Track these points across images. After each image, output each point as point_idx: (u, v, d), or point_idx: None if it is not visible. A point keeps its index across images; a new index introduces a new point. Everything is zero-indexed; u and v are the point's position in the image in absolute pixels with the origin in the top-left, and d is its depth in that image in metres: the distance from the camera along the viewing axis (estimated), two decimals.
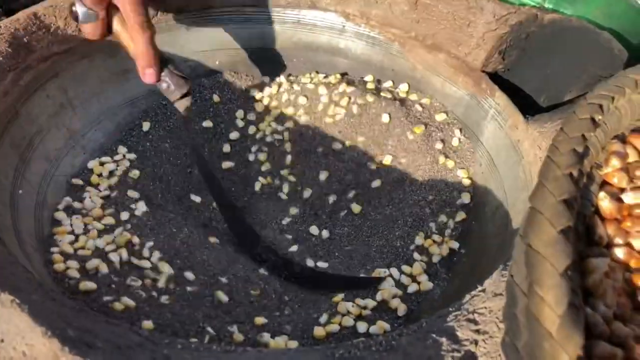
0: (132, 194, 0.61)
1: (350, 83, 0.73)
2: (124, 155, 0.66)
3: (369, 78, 0.74)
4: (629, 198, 0.31)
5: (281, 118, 0.73)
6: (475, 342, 0.37)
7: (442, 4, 0.70)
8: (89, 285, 0.48)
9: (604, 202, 0.30)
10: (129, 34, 0.58)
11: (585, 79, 0.62)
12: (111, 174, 0.63)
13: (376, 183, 0.66)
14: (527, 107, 0.63)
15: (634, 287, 0.29)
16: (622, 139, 0.33)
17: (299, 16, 0.76)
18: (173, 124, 0.70)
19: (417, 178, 0.66)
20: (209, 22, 0.74)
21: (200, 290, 0.51)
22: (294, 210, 0.67)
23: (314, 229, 0.64)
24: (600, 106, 0.31)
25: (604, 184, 0.32)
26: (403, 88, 0.73)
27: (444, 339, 0.37)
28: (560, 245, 0.24)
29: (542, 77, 0.65)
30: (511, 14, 0.67)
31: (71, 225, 0.55)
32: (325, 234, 0.64)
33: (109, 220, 0.56)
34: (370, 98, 0.70)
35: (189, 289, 0.51)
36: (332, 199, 0.67)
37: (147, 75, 0.59)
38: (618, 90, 0.32)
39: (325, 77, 0.75)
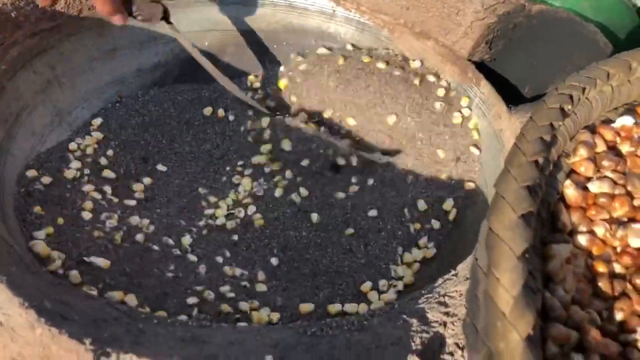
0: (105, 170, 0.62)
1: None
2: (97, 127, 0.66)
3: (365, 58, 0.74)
4: (594, 187, 0.32)
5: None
6: (445, 324, 0.38)
7: None
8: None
9: (569, 190, 0.31)
10: None
11: (570, 70, 0.61)
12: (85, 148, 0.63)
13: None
14: (512, 97, 0.64)
15: (594, 273, 0.30)
16: (592, 130, 0.34)
17: (292, 1, 0.76)
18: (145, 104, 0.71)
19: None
20: (199, 3, 0.74)
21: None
22: None
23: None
24: (571, 96, 0.32)
25: (571, 173, 0.32)
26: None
27: (414, 320, 0.38)
28: (519, 229, 0.25)
29: (528, 68, 0.66)
30: (499, 4, 0.67)
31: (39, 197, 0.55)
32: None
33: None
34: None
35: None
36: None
37: (115, 20, 0.60)
38: (589, 81, 0.33)
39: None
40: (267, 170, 0.67)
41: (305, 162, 0.66)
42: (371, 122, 0.68)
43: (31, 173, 0.57)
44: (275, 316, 0.49)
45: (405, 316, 0.39)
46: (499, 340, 0.23)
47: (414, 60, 0.71)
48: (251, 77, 0.76)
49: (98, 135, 0.65)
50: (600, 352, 0.26)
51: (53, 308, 0.35)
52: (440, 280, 0.42)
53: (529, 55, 0.65)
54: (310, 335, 0.37)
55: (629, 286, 0.30)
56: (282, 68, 0.75)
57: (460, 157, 0.64)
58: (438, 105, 0.66)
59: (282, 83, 0.73)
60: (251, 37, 0.77)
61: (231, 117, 0.72)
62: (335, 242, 0.59)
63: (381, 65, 0.70)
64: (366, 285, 0.54)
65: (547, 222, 0.30)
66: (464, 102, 0.66)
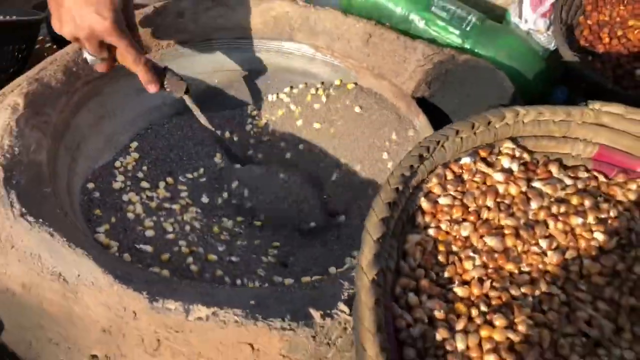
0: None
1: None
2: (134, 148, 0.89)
3: (337, 82, 0.96)
4: (441, 200, 0.54)
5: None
6: None
7: (387, 42, 0.92)
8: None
9: (424, 203, 0.53)
10: (129, 65, 0.77)
11: (485, 106, 0.84)
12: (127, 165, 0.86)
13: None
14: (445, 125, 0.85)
15: (438, 251, 0.52)
16: (445, 165, 0.56)
17: (279, 46, 0.98)
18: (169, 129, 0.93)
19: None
20: (209, 50, 0.97)
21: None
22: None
23: None
24: (427, 147, 0.53)
25: (428, 192, 0.54)
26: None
27: (346, 283, 0.60)
28: (378, 226, 0.46)
29: (456, 103, 0.87)
30: (435, 54, 0.88)
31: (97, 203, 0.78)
32: None
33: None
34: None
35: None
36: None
37: (150, 88, 0.80)
38: (442, 136, 0.54)
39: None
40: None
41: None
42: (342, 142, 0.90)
43: (90, 185, 0.80)
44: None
45: (341, 280, 0.61)
46: (358, 281, 0.44)
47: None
48: (250, 107, 0.98)
49: (135, 155, 0.88)
50: (427, 292, 0.49)
51: (121, 274, 0.58)
52: None
53: (457, 94, 0.87)
54: (280, 291, 0.60)
55: (456, 258, 0.52)
56: (273, 98, 0.97)
57: None
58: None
59: (280, 112, 0.95)
60: (251, 75, 0.99)
61: (235, 138, 0.95)
62: None
63: (347, 100, 0.92)
64: None
65: (408, 222, 0.52)
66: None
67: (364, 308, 0.43)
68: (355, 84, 0.94)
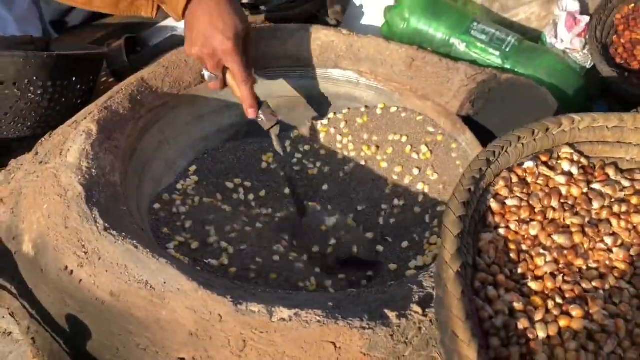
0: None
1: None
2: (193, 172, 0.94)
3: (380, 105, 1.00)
4: (509, 202, 0.57)
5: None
6: (433, 288, 0.63)
7: (430, 66, 0.96)
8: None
9: (493, 204, 0.56)
10: (237, 85, 0.85)
11: (528, 121, 0.87)
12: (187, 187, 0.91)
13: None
14: (490, 142, 0.89)
15: (509, 249, 0.55)
16: (510, 170, 0.59)
17: (326, 73, 1.03)
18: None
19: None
20: (259, 79, 1.02)
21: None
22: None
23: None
24: (493, 152, 0.57)
25: (496, 195, 0.58)
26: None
27: (415, 286, 0.63)
28: (457, 223, 0.50)
29: (500, 120, 0.90)
30: (478, 74, 0.93)
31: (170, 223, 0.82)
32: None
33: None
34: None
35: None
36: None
37: (249, 112, 0.87)
38: (506, 142, 0.58)
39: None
40: None
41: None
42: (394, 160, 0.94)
43: (157, 206, 0.84)
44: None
45: (409, 284, 0.64)
46: (443, 273, 0.47)
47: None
48: (296, 132, 1.03)
49: (195, 178, 0.93)
50: (504, 287, 0.51)
51: (204, 282, 0.62)
52: (433, 265, 0.67)
53: (501, 111, 0.90)
54: (353, 295, 0.62)
55: (527, 256, 0.55)
56: (322, 122, 1.02)
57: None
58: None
59: (324, 131, 1.00)
60: (299, 101, 1.04)
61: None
62: None
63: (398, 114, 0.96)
64: None
65: (480, 222, 0.55)
66: (454, 146, 0.91)
67: (452, 298, 0.46)
68: (398, 107, 0.98)
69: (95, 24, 1.24)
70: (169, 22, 1.09)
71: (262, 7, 1.15)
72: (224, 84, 0.87)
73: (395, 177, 0.94)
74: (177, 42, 1.03)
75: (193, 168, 0.94)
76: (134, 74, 0.92)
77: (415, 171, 0.92)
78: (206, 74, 0.86)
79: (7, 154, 0.90)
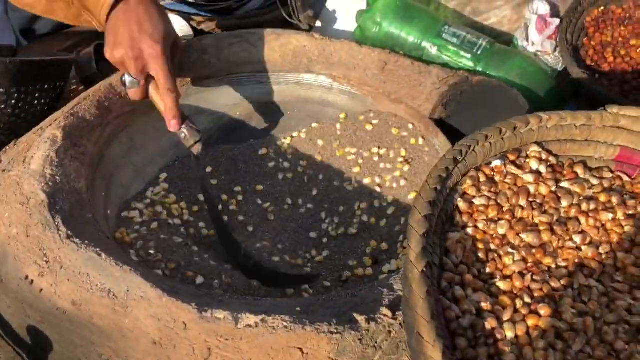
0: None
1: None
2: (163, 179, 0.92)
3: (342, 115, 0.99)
4: (476, 201, 0.56)
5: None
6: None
7: (402, 69, 0.96)
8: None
9: (461, 203, 0.55)
10: (160, 96, 0.80)
11: None
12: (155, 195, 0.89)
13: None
14: None
15: (477, 249, 0.54)
16: (477, 169, 0.59)
17: (299, 78, 1.02)
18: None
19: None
20: (231, 84, 1.01)
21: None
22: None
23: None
24: (460, 151, 0.56)
25: (463, 194, 0.57)
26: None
27: (385, 290, 0.62)
28: (422, 222, 0.49)
29: (473, 123, 0.90)
30: (450, 77, 0.92)
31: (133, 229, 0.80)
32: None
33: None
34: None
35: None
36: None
37: (172, 125, 0.81)
38: (473, 141, 0.57)
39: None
40: None
41: None
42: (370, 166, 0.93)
43: (124, 213, 0.82)
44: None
45: (380, 287, 0.63)
46: (409, 273, 0.46)
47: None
48: (269, 138, 1.02)
49: (165, 185, 0.91)
50: (472, 286, 0.50)
51: (168, 289, 0.60)
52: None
53: (473, 113, 0.90)
54: (323, 299, 0.61)
55: (496, 255, 0.54)
56: (295, 128, 1.01)
57: None
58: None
59: (296, 137, 0.99)
60: (271, 107, 1.03)
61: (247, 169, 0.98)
62: None
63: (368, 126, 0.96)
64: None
65: (447, 221, 0.55)
66: (427, 149, 0.91)
67: (417, 298, 0.45)
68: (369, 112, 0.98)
69: (65, 32, 1.22)
70: None
71: (234, 13, 1.14)
72: (146, 94, 0.82)
73: (366, 181, 0.93)
74: None
75: (163, 175, 0.92)
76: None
77: (388, 175, 0.91)
78: (127, 79, 0.81)
79: None
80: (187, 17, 1.09)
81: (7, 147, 0.84)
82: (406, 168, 0.90)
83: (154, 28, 0.78)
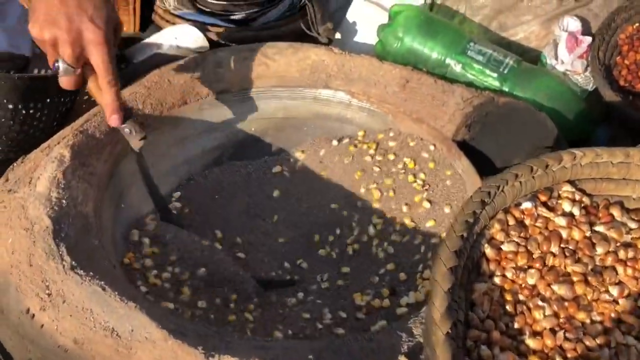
0: None
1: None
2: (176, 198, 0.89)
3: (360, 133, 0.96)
4: (505, 247, 0.52)
5: None
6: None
7: (424, 87, 0.92)
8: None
9: (488, 250, 0.51)
10: (101, 86, 0.72)
11: (527, 148, 0.82)
12: None
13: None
14: (486, 168, 0.84)
15: (505, 300, 0.51)
16: (506, 210, 0.54)
17: (316, 93, 0.98)
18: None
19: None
20: (246, 99, 0.97)
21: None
22: None
23: None
24: (488, 193, 0.52)
25: (491, 239, 0.53)
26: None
27: (403, 334, 0.58)
28: (447, 276, 0.45)
29: (498, 145, 0.86)
30: (474, 97, 0.88)
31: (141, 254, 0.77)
32: None
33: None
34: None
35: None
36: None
37: (112, 120, 0.74)
38: (502, 181, 0.53)
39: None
40: None
41: None
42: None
43: (133, 236, 0.80)
44: None
45: (397, 332, 0.59)
46: (432, 335, 0.43)
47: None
48: (284, 155, 0.98)
49: (177, 204, 0.88)
50: (499, 345, 0.47)
51: (175, 328, 0.57)
52: (424, 309, 0.63)
53: (498, 136, 0.86)
54: (337, 344, 0.58)
55: (524, 307, 0.50)
56: (310, 145, 0.98)
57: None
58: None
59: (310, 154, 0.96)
60: (287, 123, 1.00)
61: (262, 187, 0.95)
62: None
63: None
64: None
65: (473, 270, 0.51)
66: (448, 173, 0.87)
67: None
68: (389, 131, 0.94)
69: None
70: (154, 39, 1.04)
71: (251, 24, 1.11)
72: (80, 82, 0.73)
73: (382, 205, 0.89)
74: (161, 60, 0.98)
75: (177, 194, 0.90)
76: None
77: (406, 199, 0.87)
78: (61, 66, 0.70)
79: None
80: (202, 27, 1.06)
81: (15, 164, 0.81)
82: (425, 194, 0.86)
83: (94, 8, 0.68)
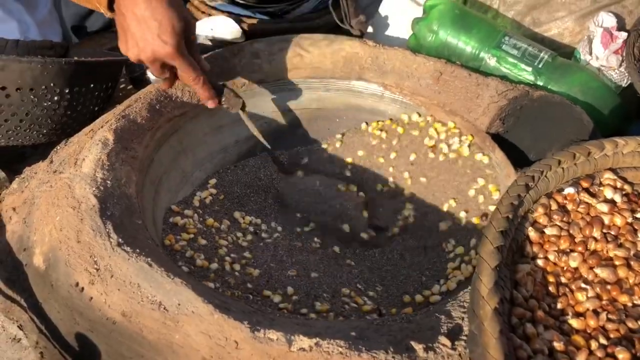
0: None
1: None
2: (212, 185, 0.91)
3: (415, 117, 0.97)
4: (548, 231, 0.53)
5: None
6: (462, 318, 0.59)
7: (458, 80, 0.93)
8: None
9: (531, 233, 0.52)
10: (189, 85, 0.82)
11: (562, 141, 0.83)
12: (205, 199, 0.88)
13: None
14: (520, 160, 0.85)
15: (547, 282, 0.51)
16: (549, 196, 0.55)
17: (349, 85, 0.99)
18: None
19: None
20: (281, 90, 0.99)
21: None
22: None
23: None
24: (532, 177, 0.53)
25: (534, 222, 0.54)
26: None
27: (442, 316, 0.59)
28: (493, 254, 0.46)
29: (532, 139, 0.86)
30: (509, 90, 0.89)
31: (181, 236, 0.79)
32: None
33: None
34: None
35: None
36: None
37: (209, 104, 0.84)
38: (546, 166, 0.54)
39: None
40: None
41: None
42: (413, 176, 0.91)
43: (172, 219, 0.81)
44: None
45: (437, 314, 0.60)
46: (479, 310, 0.44)
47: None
48: (318, 144, 1.00)
49: (213, 190, 0.90)
50: (543, 323, 0.48)
51: (220, 304, 0.58)
52: (461, 292, 0.64)
53: (533, 129, 0.86)
54: (377, 324, 0.59)
55: (567, 289, 0.51)
56: (340, 137, 0.99)
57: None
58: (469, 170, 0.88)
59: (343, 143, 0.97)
60: (320, 114, 1.01)
61: (302, 175, 0.96)
62: None
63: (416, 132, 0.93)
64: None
65: (517, 252, 0.52)
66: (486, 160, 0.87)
67: (489, 337, 0.42)
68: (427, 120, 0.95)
69: (115, 30, 1.22)
70: None
71: (285, 16, 1.12)
72: (174, 82, 0.83)
73: (414, 192, 0.90)
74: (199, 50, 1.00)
75: (213, 181, 0.91)
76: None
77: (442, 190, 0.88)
78: (151, 76, 0.81)
79: (21, 161, 0.88)
80: (237, 18, 1.08)
81: (58, 147, 0.84)
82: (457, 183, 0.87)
83: (159, 24, 0.72)
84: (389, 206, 0.91)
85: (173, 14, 0.73)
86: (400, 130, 0.95)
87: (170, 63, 0.77)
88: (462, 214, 0.85)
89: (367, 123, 0.99)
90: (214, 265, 0.74)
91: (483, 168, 0.87)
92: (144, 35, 0.73)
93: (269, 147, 0.93)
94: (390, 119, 0.98)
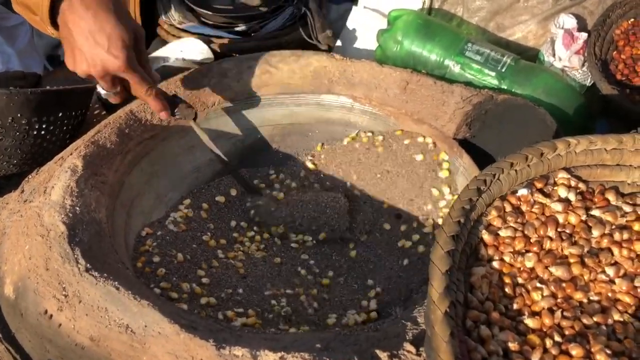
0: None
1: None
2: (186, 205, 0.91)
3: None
4: (502, 232, 0.54)
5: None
6: None
7: (424, 88, 0.94)
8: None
9: (485, 235, 0.53)
10: (140, 97, 0.83)
11: (526, 143, 0.83)
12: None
13: None
14: (488, 164, 0.86)
15: (503, 283, 0.52)
16: (503, 198, 0.56)
17: (319, 99, 1.00)
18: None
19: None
20: (251, 107, 1.00)
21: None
22: None
23: None
24: (484, 180, 0.54)
25: (488, 225, 0.55)
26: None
27: (409, 323, 0.60)
28: (444, 259, 0.47)
29: (498, 142, 0.87)
30: (474, 96, 0.90)
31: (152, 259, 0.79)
32: None
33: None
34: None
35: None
36: None
37: (161, 116, 0.85)
38: (498, 169, 0.55)
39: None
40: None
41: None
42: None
43: (144, 240, 0.82)
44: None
45: (403, 321, 0.61)
46: (431, 314, 0.44)
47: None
48: (292, 161, 1.00)
49: (186, 210, 0.90)
50: (499, 325, 0.48)
51: (186, 323, 0.59)
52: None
53: (498, 133, 0.87)
54: (344, 334, 0.59)
55: (523, 290, 0.52)
56: (313, 150, 1.00)
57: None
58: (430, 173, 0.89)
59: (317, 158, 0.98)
60: (292, 129, 1.02)
61: (281, 194, 0.96)
62: None
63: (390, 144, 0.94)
64: None
65: (471, 255, 0.52)
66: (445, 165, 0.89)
67: (440, 341, 0.43)
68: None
69: None
70: (160, 52, 1.07)
71: (254, 35, 1.14)
72: (125, 96, 0.82)
73: (392, 202, 0.91)
74: (168, 72, 1.01)
75: (187, 201, 0.92)
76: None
77: (412, 199, 0.89)
78: (102, 91, 0.81)
79: None
80: (207, 39, 1.09)
81: (30, 177, 0.85)
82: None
83: (107, 38, 0.71)
84: (364, 214, 0.92)
85: (122, 27, 0.72)
86: (372, 141, 0.96)
87: (121, 76, 0.77)
88: (430, 221, 0.86)
89: (340, 135, 1.00)
90: (186, 286, 0.74)
91: (452, 175, 0.88)
92: (93, 50, 0.72)
93: (225, 159, 0.93)
94: (363, 131, 0.99)
